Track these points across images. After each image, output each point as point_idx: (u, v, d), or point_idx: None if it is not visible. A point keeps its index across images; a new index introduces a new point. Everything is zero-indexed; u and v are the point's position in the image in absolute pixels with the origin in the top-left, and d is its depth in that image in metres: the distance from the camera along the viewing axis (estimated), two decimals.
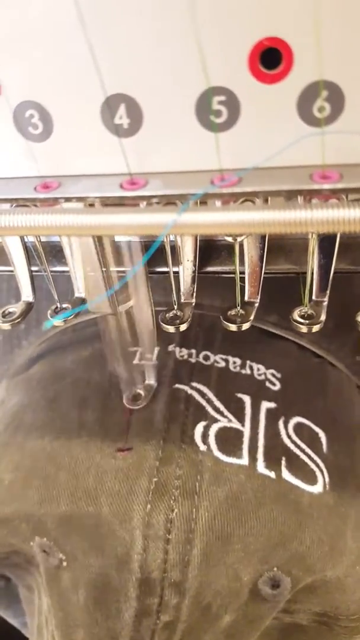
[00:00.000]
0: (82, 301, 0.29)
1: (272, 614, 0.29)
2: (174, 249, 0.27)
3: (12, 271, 0.29)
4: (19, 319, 0.28)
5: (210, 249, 0.28)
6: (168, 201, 0.21)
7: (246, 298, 0.27)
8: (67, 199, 0.21)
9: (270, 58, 0.18)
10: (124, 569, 0.27)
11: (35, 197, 0.22)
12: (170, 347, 0.33)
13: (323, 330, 0.35)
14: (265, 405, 0.31)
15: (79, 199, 0.21)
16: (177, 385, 0.31)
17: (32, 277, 0.29)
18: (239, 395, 0.31)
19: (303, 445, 0.30)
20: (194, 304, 0.28)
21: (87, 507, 0.28)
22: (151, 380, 0.31)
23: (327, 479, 0.30)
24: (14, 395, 0.36)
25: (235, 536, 0.27)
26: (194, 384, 0.31)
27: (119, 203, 0.21)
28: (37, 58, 0.20)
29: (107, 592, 0.27)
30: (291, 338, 0.35)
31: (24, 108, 0.21)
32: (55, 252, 0.30)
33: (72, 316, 0.27)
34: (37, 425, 0.32)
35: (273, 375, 0.33)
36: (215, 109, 0.19)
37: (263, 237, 0.25)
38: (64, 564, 0.28)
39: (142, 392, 0.31)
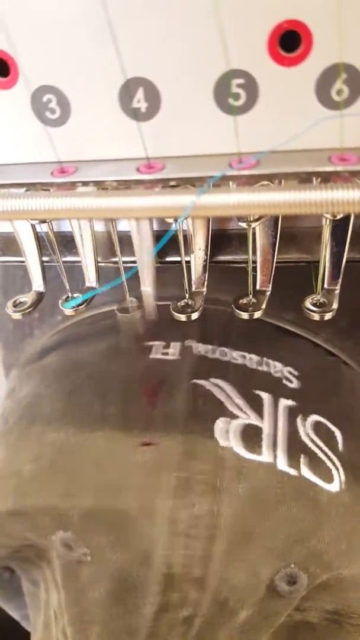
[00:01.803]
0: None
1: (288, 611, 0.29)
2: (185, 237, 0.27)
3: (23, 261, 0.29)
4: (29, 309, 0.28)
5: (222, 238, 0.28)
6: (184, 185, 0.21)
7: (258, 287, 0.27)
8: (84, 183, 0.21)
9: (290, 41, 0.18)
10: (146, 565, 0.26)
11: (52, 181, 0.22)
12: (188, 342, 0.33)
13: (337, 328, 0.36)
14: (284, 402, 0.31)
15: (96, 183, 0.21)
16: (196, 381, 0.31)
17: (43, 267, 0.29)
18: (258, 392, 0.31)
19: (320, 443, 0.30)
20: (205, 293, 0.28)
21: (112, 502, 0.27)
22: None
23: (343, 478, 0.30)
24: (26, 384, 0.35)
25: (256, 533, 0.27)
26: (213, 380, 0.31)
27: (135, 187, 0.21)
28: (55, 42, 0.20)
29: (128, 588, 0.27)
30: (306, 336, 0.36)
31: (42, 93, 0.21)
32: (65, 242, 0.30)
33: (84, 304, 0.27)
34: (56, 417, 0.31)
35: (290, 372, 0.33)
36: (234, 92, 0.19)
37: (275, 225, 0.26)
38: (88, 558, 0.28)
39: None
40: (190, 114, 0.20)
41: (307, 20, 0.18)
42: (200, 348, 0.33)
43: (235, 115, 0.20)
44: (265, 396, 0.31)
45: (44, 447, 0.30)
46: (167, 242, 0.25)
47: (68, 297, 0.29)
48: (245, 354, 0.33)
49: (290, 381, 0.33)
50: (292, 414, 0.31)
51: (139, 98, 0.20)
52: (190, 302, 0.28)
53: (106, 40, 0.19)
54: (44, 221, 0.27)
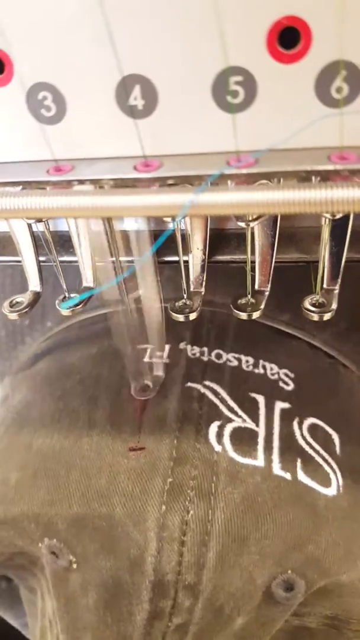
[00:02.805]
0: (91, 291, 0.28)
1: (285, 617, 0.29)
2: (183, 237, 0.27)
3: (19, 261, 0.29)
4: (26, 309, 0.28)
5: (220, 238, 0.28)
6: (182, 183, 0.21)
7: (256, 287, 0.27)
8: (80, 182, 0.21)
9: (289, 37, 0.18)
10: (137, 571, 0.26)
11: (48, 179, 0.21)
12: (182, 345, 0.33)
13: (335, 331, 0.35)
14: (279, 405, 0.31)
15: (92, 182, 0.21)
16: (189, 384, 0.31)
17: (39, 267, 0.28)
18: (253, 394, 0.31)
19: (317, 447, 0.30)
20: (203, 293, 0.28)
21: (100, 508, 0.27)
22: (159, 372, 0.31)
23: (340, 482, 0.29)
24: (18, 392, 0.35)
25: (251, 539, 0.26)
26: (207, 383, 0.31)
27: (132, 186, 0.21)
28: (51, 39, 0.20)
29: (119, 595, 0.27)
30: (303, 338, 0.35)
31: (37, 90, 0.21)
32: (62, 242, 0.29)
33: (81, 304, 0.27)
34: (45, 423, 0.31)
35: (286, 375, 0.33)
36: (232, 90, 0.19)
37: (274, 224, 0.25)
38: (74, 565, 0.27)
39: (150, 383, 0.30)
40: (187, 111, 0.20)
41: (306, 16, 0.18)
42: (194, 350, 0.32)
43: (233, 113, 0.20)
44: (261, 399, 0.31)
45: (31, 454, 0.30)
46: (165, 242, 0.25)
47: (65, 297, 0.29)
48: (241, 356, 0.33)
49: (287, 384, 0.32)
50: (288, 417, 0.30)
51: (136, 95, 0.20)
52: (188, 303, 0.27)
53: (103, 37, 0.19)
54: (40, 220, 0.26)
